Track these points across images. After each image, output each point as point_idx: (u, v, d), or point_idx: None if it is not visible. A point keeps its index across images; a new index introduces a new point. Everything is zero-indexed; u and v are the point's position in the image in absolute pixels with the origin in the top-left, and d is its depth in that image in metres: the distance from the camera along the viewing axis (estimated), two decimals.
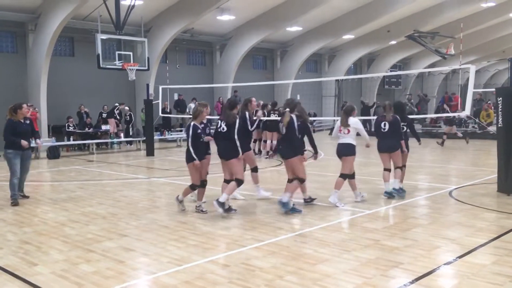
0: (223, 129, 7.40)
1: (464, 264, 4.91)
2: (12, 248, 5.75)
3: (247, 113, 7.70)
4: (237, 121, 7.35)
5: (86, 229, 6.56)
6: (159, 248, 5.63)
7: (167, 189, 9.80)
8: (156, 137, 18.73)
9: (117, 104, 19.72)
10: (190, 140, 7.12)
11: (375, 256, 5.16)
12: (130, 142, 20.10)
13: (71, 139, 18.13)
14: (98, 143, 18.75)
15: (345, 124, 7.79)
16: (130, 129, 20.60)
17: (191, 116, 7.69)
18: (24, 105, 8.49)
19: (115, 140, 19.40)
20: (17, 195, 8.38)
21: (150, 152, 16.43)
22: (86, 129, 18.90)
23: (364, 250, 5.41)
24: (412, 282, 4.41)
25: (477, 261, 4.97)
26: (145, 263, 5.16)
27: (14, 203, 8.22)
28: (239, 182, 7.24)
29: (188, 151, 7.15)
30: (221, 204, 7.02)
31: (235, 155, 7.28)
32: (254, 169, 8.35)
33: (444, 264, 4.92)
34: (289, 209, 7.20)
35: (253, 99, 8.14)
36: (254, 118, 7.87)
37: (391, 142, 8.22)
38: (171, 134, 20.99)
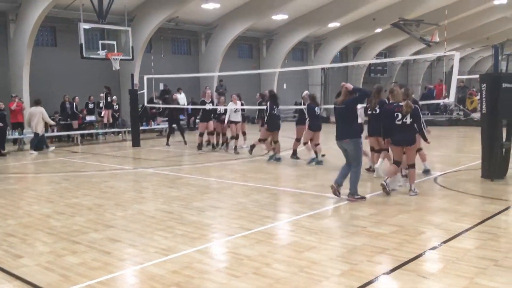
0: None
1: (449, 249, 4.97)
2: None
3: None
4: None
5: (72, 221, 6.50)
6: (146, 239, 5.60)
7: (153, 180, 9.74)
8: (141, 128, 18.56)
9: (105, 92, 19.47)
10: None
11: (361, 243, 5.19)
12: (115, 133, 19.90)
13: (55, 130, 17.88)
14: (82, 134, 18.53)
15: None
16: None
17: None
18: None
19: (100, 131, 19.20)
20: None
21: (136, 142, 16.31)
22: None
23: (351, 237, 5.44)
24: (398, 267, 4.45)
25: (462, 246, 5.04)
26: (132, 253, 5.13)
27: (362, 197, 7.21)
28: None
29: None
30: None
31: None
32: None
33: (430, 249, 4.98)
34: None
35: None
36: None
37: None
38: (158, 124, 20.82)
